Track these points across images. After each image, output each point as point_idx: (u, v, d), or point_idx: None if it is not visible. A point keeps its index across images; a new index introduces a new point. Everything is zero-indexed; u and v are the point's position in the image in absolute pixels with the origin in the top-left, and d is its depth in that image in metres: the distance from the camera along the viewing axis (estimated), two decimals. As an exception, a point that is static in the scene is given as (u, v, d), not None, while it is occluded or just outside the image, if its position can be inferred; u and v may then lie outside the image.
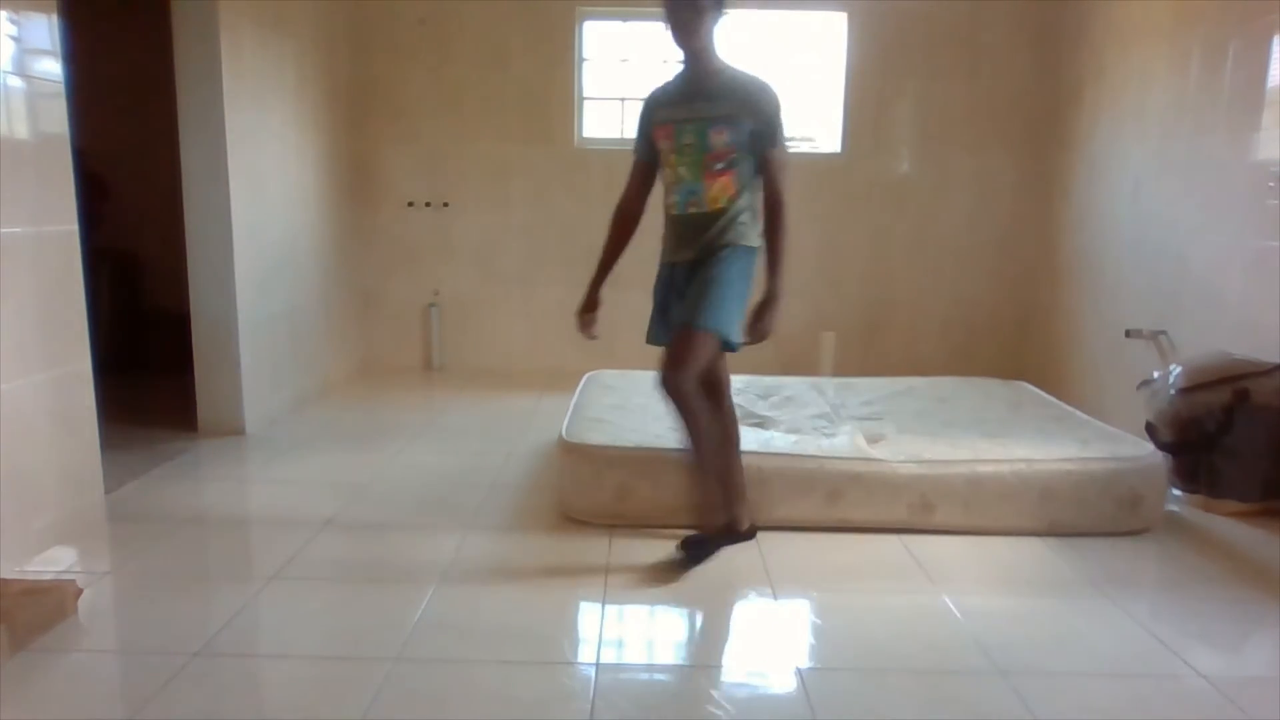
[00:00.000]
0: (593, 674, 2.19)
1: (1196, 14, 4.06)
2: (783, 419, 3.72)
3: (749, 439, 3.27)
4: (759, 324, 2.75)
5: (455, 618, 2.47)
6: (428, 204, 5.64)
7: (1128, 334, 4.35)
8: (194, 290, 4.09)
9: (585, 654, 2.30)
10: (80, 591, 2.46)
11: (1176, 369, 3.51)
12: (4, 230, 2.66)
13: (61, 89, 2.92)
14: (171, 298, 4.73)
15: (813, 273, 5.66)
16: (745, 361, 5.44)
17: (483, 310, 5.73)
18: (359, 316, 5.71)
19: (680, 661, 2.30)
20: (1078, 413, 3.79)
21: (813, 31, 5.56)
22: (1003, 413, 3.80)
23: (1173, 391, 3.43)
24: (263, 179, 4.37)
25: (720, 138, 2.81)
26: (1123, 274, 4.60)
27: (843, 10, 5.42)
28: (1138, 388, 3.74)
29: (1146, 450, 3.25)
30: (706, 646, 2.40)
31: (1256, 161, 3.63)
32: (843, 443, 3.32)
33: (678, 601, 2.64)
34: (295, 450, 4.02)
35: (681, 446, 2.83)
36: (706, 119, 2.82)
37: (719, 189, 2.85)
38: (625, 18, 5.54)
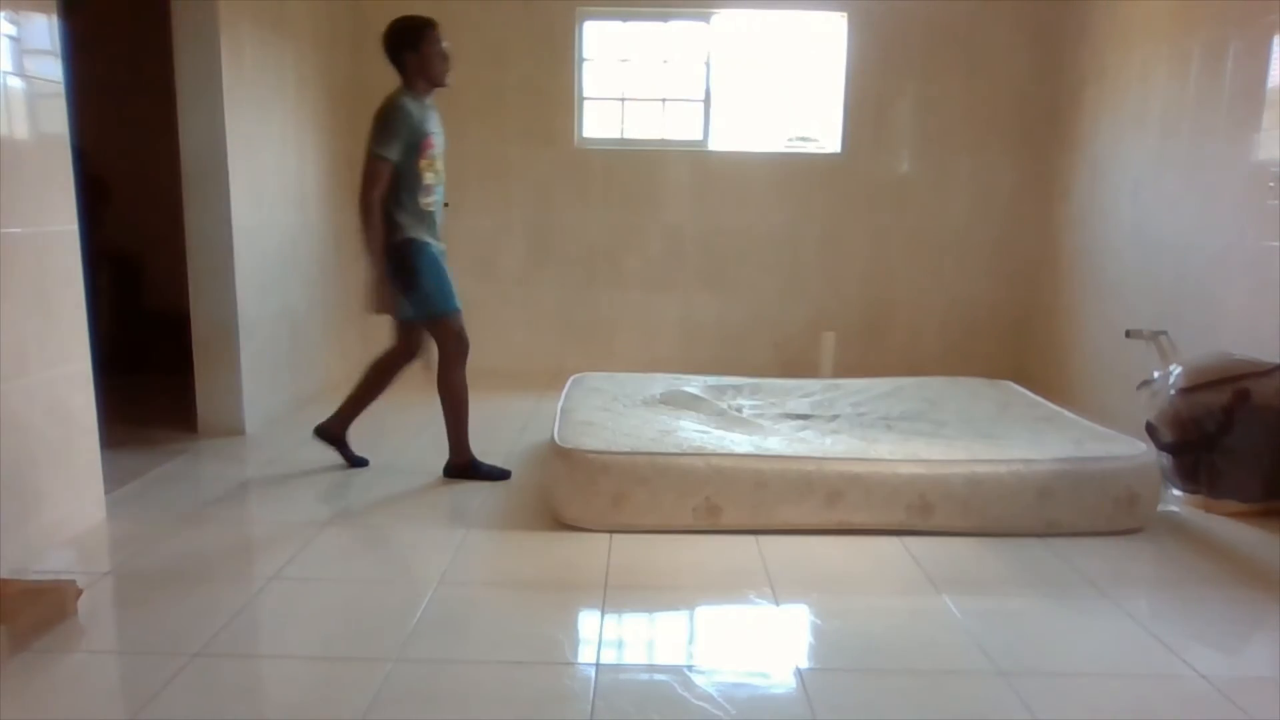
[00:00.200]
0: (593, 674, 2.19)
1: (1197, 15, 4.06)
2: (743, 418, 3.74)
3: (744, 444, 3.28)
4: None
5: (455, 618, 2.47)
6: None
7: (1128, 334, 4.35)
8: (194, 290, 4.09)
9: (585, 654, 2.31)
10: (80, 591, 2.46)
11: (1176, 369, 3.51)
12: (4, 230, 2.66)
13: (61, 89, 2.92)
14: (171, 298, 4.72)
15: (813, 273, 5.66)
16: (745, 361, 5.48)
17: (482, 310, 5.71)
18: (359, 317, 5.70)
19: (680, 662, 2.30)
20: (1066, 412, 3.79)
21: (813, 31, 5.56)
22: (992, 412, 3.81)
23: (1173, 391, 3.43)
24: (263, 179, 4.37)
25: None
26: (1123, 274, 4.60)
27: (843, 10, 5.42)
28: (1138, 388, 3.74)
29: (1141, 449, 3.25)
30: (706, 647, 2.40)
31: (1256, 161, 3.64)
32: (842, 444, 3.33)
33: (677, 602, 2.64)
34: (295, 450, 4.02)
35: None
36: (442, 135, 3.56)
37: None
38: (625, 18, 5.54)
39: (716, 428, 3.56)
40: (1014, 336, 5.68)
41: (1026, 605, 2.63)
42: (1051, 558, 2.95)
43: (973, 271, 5.64)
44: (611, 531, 3.08)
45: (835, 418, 3.79)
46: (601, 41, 5.58)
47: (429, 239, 3.50)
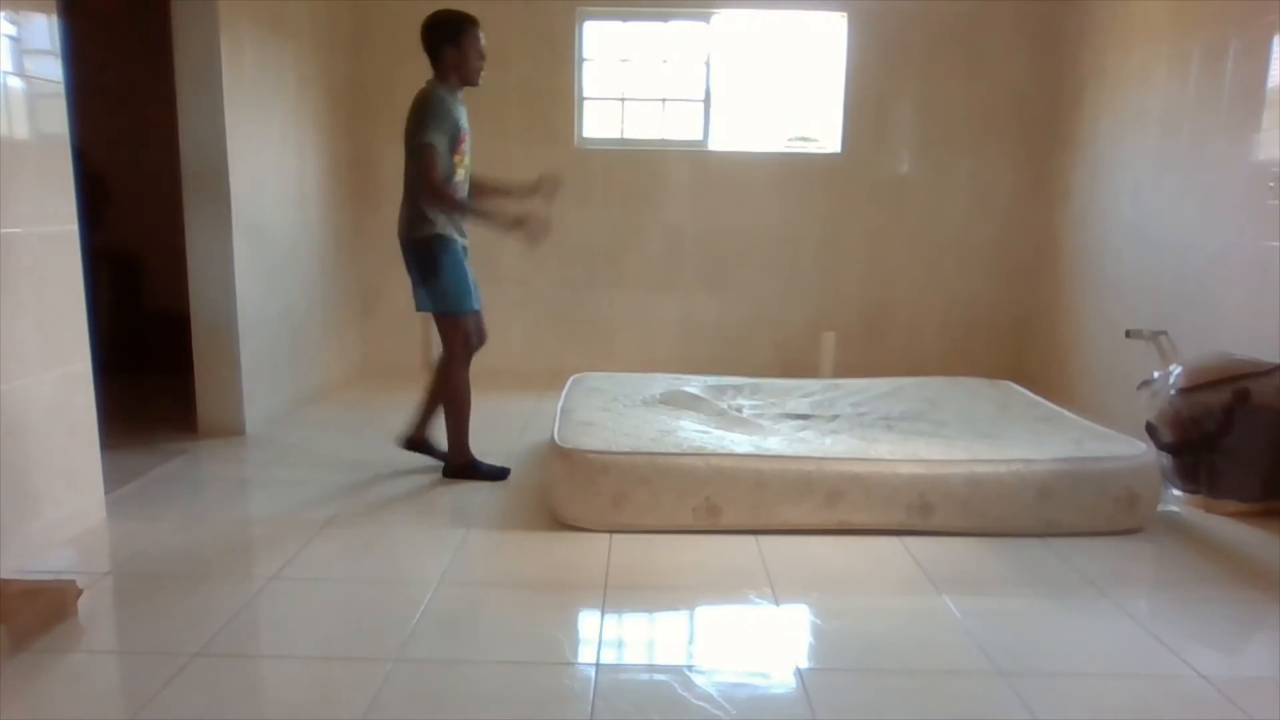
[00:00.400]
0: (593, 674, 2.19)
1: (1197, 15, 4.06)
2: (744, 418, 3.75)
3: (744, 444, 3.28)
4: None
5: (455, 618, 2.47)
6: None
7: (1128, 334, 4.36)
8: (194, 290, 4.09)
9: (585, 654, 2.31)
10: (80, 591, 2.46)
11: (1176, 369, 3.51)
12: (4, 230, 2.66)
13: (61, 89, 2.92)
14: (171, 298, 4.73)
15: (813, 273, 5.66)
16: (745, 362, 5.48)
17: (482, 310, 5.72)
18: (359, 317, 5.71)
19: (680, 662, 2.30)
20: (1066, 412, 3.79)
21: (813, 31, 5.56)
22: (992, 412, 3.81)
23: (1173, 391, 3.43)
24: (263, 179, 4.37)
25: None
26: (1123, 274, 4.60)
27: (843, 10, 5.42)
28: (1138, 388, 3.74)
29: (1141, 449, 3.26)
30: (706, 647, 2.40)
31: (1256, 161, 3.64)
32: (842, 444, 3.33)
33: (677, 602, 2.64)
34: (295, 450, 4.02)
35: None
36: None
37: None
38: (625, 18, 5.54)
39: (716, 428, 3.56)
40: (1014, 336, 5.68)
41: (1026, 605, 2.63)
42: (1051, 558, 2.95)
43: (973, 271, 5.64)
44: (611, 531, 3.08)
45: (835, 418, 3.79)
46: (601, 41, 5.58)
47: (456, 235, 3.51)
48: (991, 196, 5.57)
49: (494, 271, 5.68)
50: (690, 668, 2.24)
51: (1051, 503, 3.11)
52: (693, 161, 5.59)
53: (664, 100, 5.61)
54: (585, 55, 5.55)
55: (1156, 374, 3.67)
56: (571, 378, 4.32)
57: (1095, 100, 4.95)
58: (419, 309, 3.58)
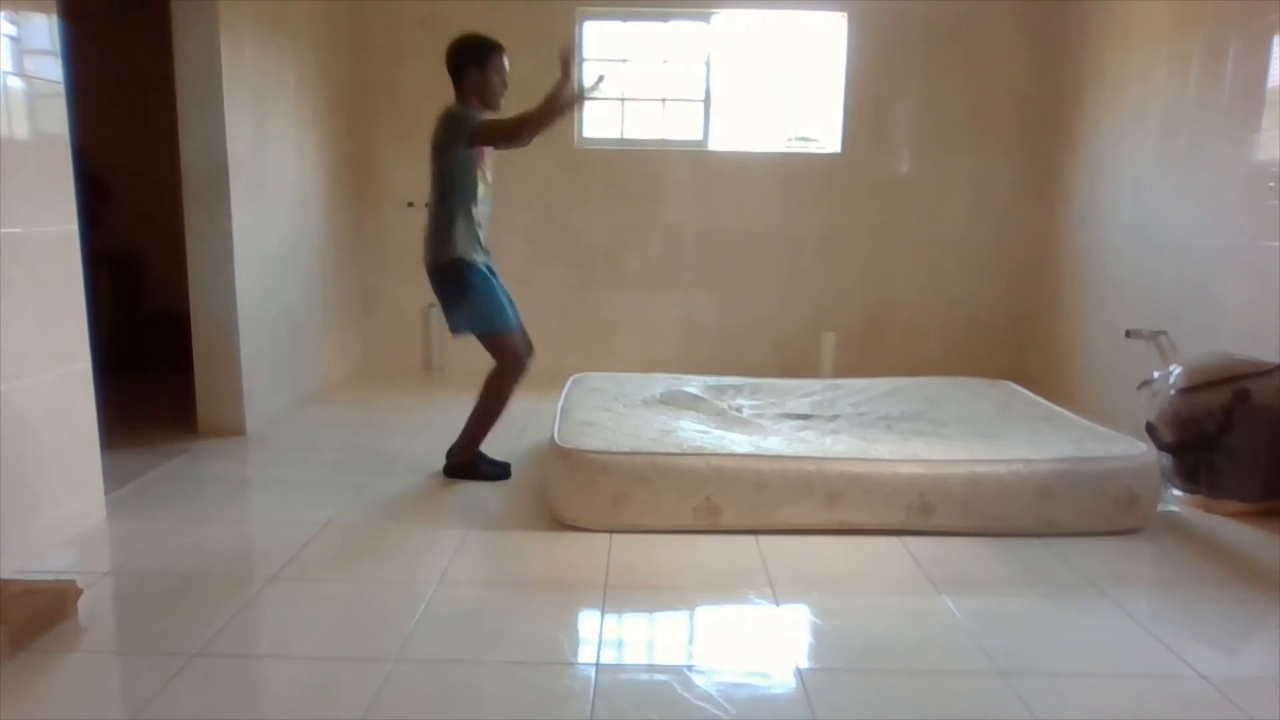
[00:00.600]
0: (593, 674, 2.19)
1: (1196, 15, 4.06)
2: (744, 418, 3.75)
3: (744, 444, 3.28)
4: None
5: (455, 618, 2.47)
6: (428, 204, 5.62)
7: (1128, 334, 4.36)
8: (194, 290, 4.09)
9: (585, 654, 2.30)
10: (80, 591, 2.45)
11: (1176, 369, 3.51)
12: (4, 230, 2.66)
13: (61, 89, 2.92)
14: (171, 298, 4.73)
15: (813, 273, 5.66)
16: (745, 362, 5.48)
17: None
18: (359, 317, 5.71)
19: (680, 662, 2.30)
20: (1065, 412, 3.79)
21: (813, 31, 5.56)
22: (992, 412, 3.81)
23: (1173, 391, 3.43)
24: (263, 179, 4.37)
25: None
26: (1123, 274, 4.60)
27: (843, 10, 5.42)
28: (1138, 388, 3.74)
29: (1141, 449, 3.25)
30: (706, 647, 2.40)
31: (1256, 161, 3.64)
32: (842, 444, 3.33)
33: (677, 602, 2.64)
34: (295, 450, 4.02)
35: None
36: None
37: None
38: (625, 18, 5.54)
39: (716, 428, 3.56)
40: (1014, 336, 5.68)
41: (1026, 605, 2.63)
42: (1051, 558, 2.95)
43: (973, 271, 5.64)
44: (611, 531, 3.08)
45: (835, 418, 3.79)
46: (601, 41, 5.58)
47: (477, 256, 3.51)
48: (991, 196, 5.57)
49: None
50: (690, 668, 2.24)
51: (1051, 503, 3.11)
52: (693, 161, 5.59)
53: (664, 100, 5.61)
54: (585, 55, 5.55)
55: (1156, 374, 3.67)
56: (571, 378, 4.32)
57: (1095, 100, 4.95)
58: (454, 332, 3.57)
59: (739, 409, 3.92)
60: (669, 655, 2.37)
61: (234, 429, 4.19)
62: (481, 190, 3.51)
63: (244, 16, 4.14)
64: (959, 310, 5.67)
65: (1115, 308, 4.64)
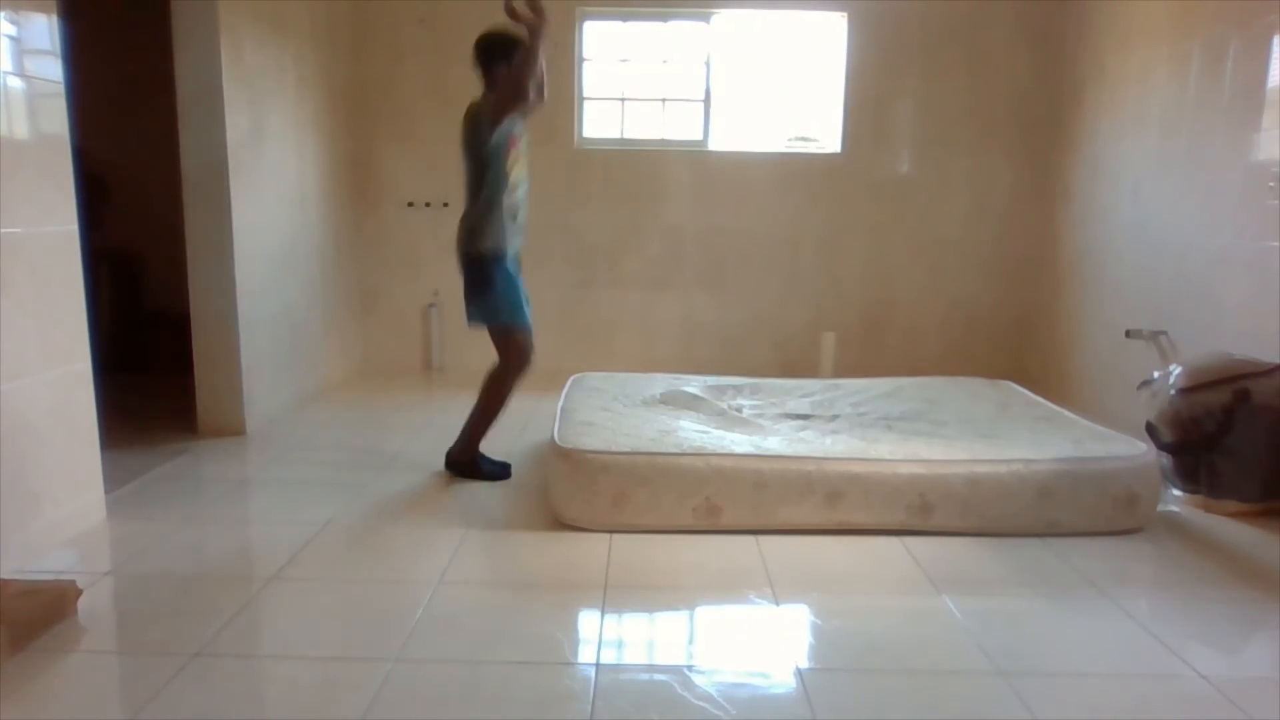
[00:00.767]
0: (593, 674, 2.19)
1: (1197, 15, 4.06)
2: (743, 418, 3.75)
3: (744, 444, 3.28)
4: None
5: (455, 618, 2.47)
6: (428, 204, 5.64)
7: (1128, 334, 4.36)
8: (194, 290, 4.09)
9: (585, 654, 2.30)
10: (80, 591, 2.46)
11: (1176, 369, 3.51)
12: (4, 230, 2.66)
13: (61, 89, 2.92)
14: (171, 298, 4.73)
15: (813, 273, 5.66)
16: (745, 362, 5.48)
17: (483, 310, 5.72)
18: (359, 316, 5.71)
19: (680, 662, 2.30)
20: (1065, 412, 3.79)
21: (813, 31, 5.56)
22: (992, 412, 3.81)
23: (1173, 391, 3.43)
24: (263, 179, 4.37)
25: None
26: (1123, 274, 4.60)
27: (843, 10, 5.42)
28: (1138, 388, 3.74)
29: (1141, 449, 3.26)
30: (706, 647, 2.40)
31: (1256, 161, 3.64)
32: (842, 444, 3.33)
33: (677, 602, 2.64)
34: (295, 450, 4.02)
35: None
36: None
37: None
38: (625, 18, 5.54)
39: (716, 428, 3.56)
40: (1014, 336, 5.68)
41: (1026, 605, 2.63)
42: (1051, 558, 2.95)
43: (973, 271, 5.64)
44: (611, 531, 3.08)
45: (835, 418, 3.79)
46: (601, 41, 5.58)
47: (508, 249, 3.53)
48: (991, 196, 5.57)
49: (494, 271, 5.69)
50: (690, 668, 2.24)
51: (1051, 503, 3.11)
52: (693, 161, 5.59)
53: (664, 100, 5.61)
54: (585, 55, 5.55)
55: (1156, 374, 3.67)
56: (571, 378, 4.32)
57: (1095, 100, 4.95)
58: (470, 321, 3.59)
59: (739, 409, 3.92)
60: (669, 655, 2.37)
61: (234, 429, 4.19)
62: (514, 177, 3.49)
63: (244, 16, 4.14)
64: (959, 310, 5.67)
65: (1115, 308, 4.64)
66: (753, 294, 5.69)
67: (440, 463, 3.71)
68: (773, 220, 5.62)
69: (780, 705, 2.09)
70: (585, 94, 5.60)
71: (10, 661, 2.17)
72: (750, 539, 3.06)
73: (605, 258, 5.69)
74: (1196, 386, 3.37)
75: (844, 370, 5.33)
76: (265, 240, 4.40)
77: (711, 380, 4.37)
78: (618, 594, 2.63)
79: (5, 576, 2.50)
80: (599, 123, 5.66)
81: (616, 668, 2.24)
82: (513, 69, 3.36)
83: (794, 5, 5.48)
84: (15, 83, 2.73)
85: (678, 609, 2.62)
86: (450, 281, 5.67)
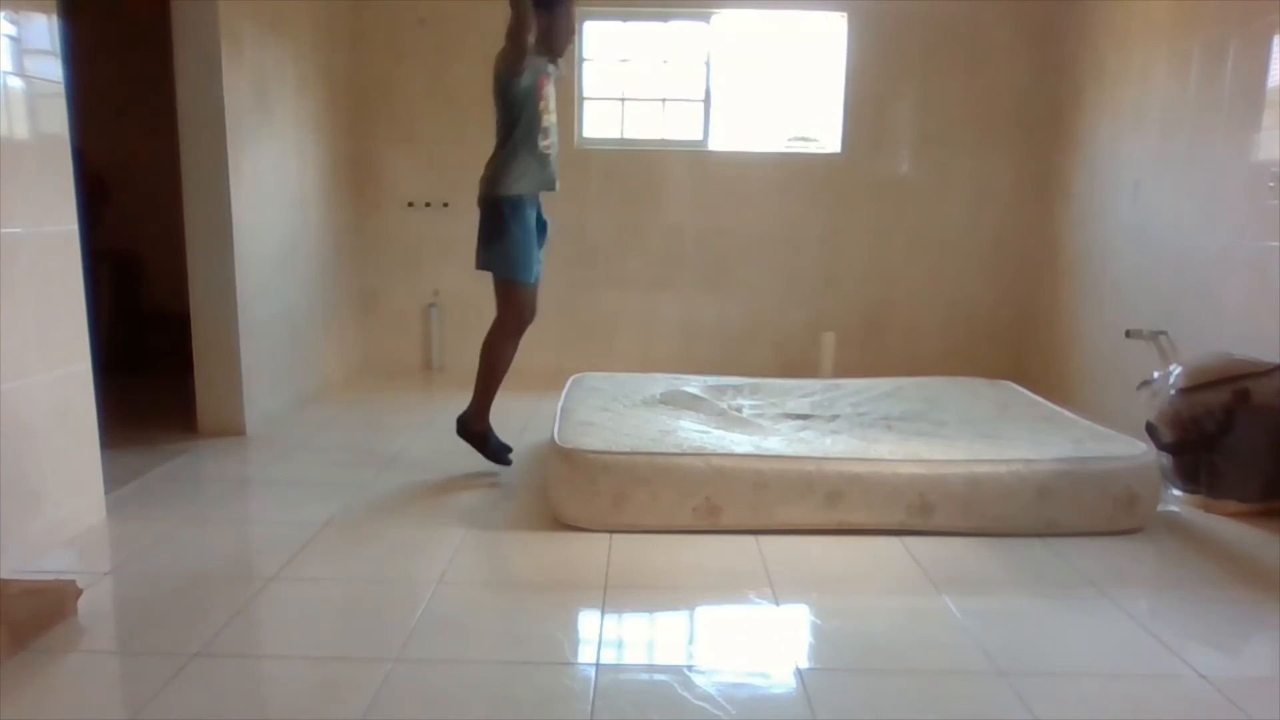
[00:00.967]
0: (593, 674, 2.19)
1: (1196, 14, 4.06)
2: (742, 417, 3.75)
3: (744, 444, 3.28)
4: None
5: (455, 618, 2.47)
6: (428, 204, 5.64)
7: (1128, 334, 4.36)
8: (194, 290, 4.09)
9: (585, 654, 2.30)
10: (80, 591, 2.46)
11: (1176, 369, 3.51)
12: (4, 230, 2.66)
13: (61, 89, 2.92)
14: (171, 298, 4.72)
15: (813, 273, 5.66)
16: (745, 362, 5.48)
17: (482, 311, 5.67)
18: (359, 316, 5.71)
19: (680, 662, 2.30)
20: (1065, 412, 3.79)
21: (813, 31, 5.56)
22: (992, 412, 3.81)
23: (1173, 391, 3.43)
24: (263, 179, 4.37)
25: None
26: (1123, 274, 4.60)
27: (842, 10, 5.42)
28: (1138, 388, 3.74)
29: (1141, 449, 3.26)
30: (706, 647, 2.40)
31: (1256, 161, 3.64)
32: (842, 444, 3.33)
33: (677, 602, 2.64)
34: (295, 450, 4.02)
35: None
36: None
37: None
38: (625, 18, 5.54)
39: (716, 428, 3.56)
40: (1014, 336, 5.68)
41: (1026, 605, 2.63)
42: (1051, 558, 2.95)
43: (973, 271, 5.64)
44: (611, 531, 3.08)
45: (835, 418, 3.79)
46: (601, 41, 5.58)
47: (530, 195, 3.51)
48: (991, 196, 5.57)
49: (494, 271, 5.69)
50: (690, 668, 2.24)
51: (1051, 503, 3.11)
52: (693, 161, 5.59)
53: (664, 100, 5.61)
54: (585, 55, 5.55)
55: (1156, 374, 3.67)
56: (571, 378, 4.32)
57: (1095, 100, 4.95)
58: (477, 267, 3.57)
59: (739, 409, 3.92)
60: (669, 655, 2.37)
61: (234, 429, 4.19)
62: (547, 120, 3.47)
63: (244, 16, 4.14)
64: (959, 310, 5.67)
65: (1115, 308, 4.64)
66: (753, 294, 5.69)
67: (442, 462, 3.71)
68: (773, 220, 5.62)
69: (780, 705, 2.09)
70: (585, 94, 5.60)
71: (10, 661, 2.17)
72: (750, 539, 3.06)
73: (605, 258, 5.68)
74: (1196, 386, 3.37)
75: (844, 370, 5.33)
76: (265, 240, 4.40)
77: (711, 380, 4.37)
78: (618, 594, 2.63)
79: (5, 576, 2.50)
80: (599, 123, 5.66)
81: (616, 668, 2.24)
82: (514, 18, 3.27)
83: (794, 5, 5.48)
84: (15, 83, 2.73)
85: (678, 609, 2.62)
86: (450, 282, 5.72)
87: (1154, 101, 4.36)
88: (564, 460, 3.16)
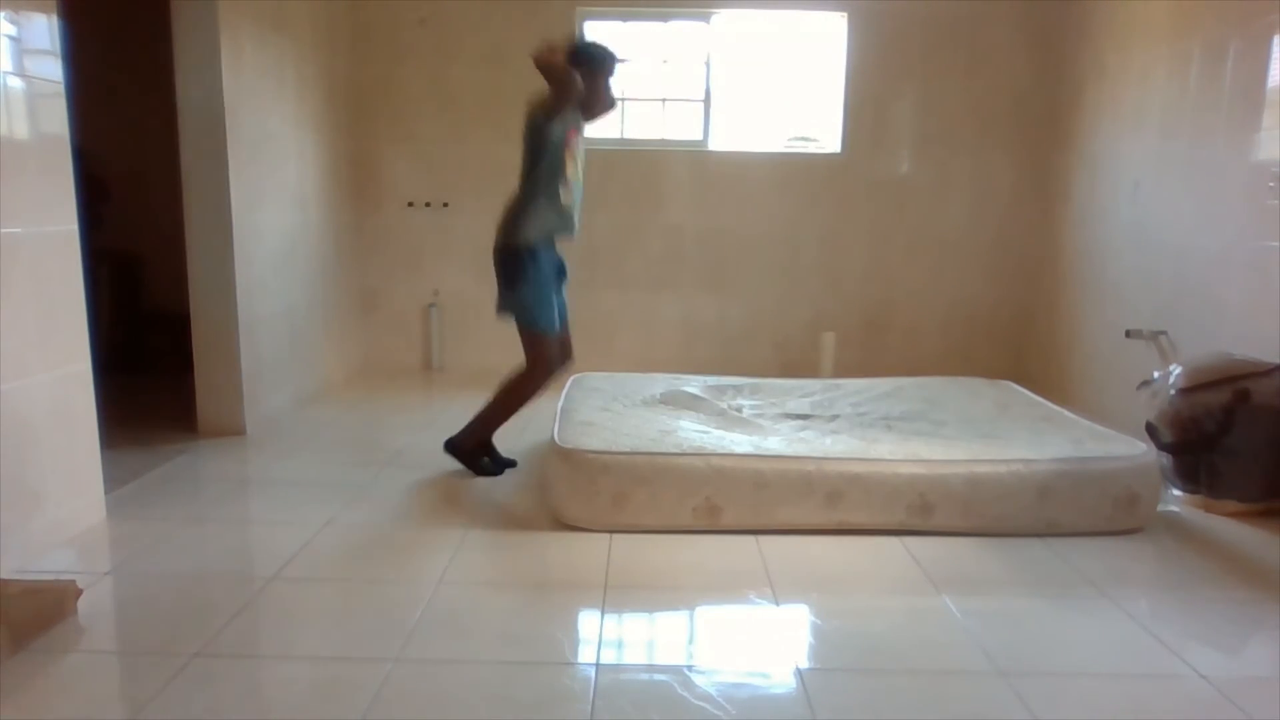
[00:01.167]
0: (593, 674, 2.19)
1: (1196, 15, 4.06)
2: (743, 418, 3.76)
3: (744, 444, 3.28)
4: None
5: (455, 618, 2.47)
6: (428, 204, 5.64)
7: (1128, 334, 4.35)
8: (194, 290, 4.09)
9: (585, 654, 2.31)
10: (80, 591, 2.46)
11: (1176, 369, 3.51)
12: (4, 230, 2.66)
13: (61, 89, 2.92)
14: (171, 298, 4.73)
15: (813, 273, 5.66)
16: (745, 362, 5.48)
17: (482, 310, 5.68)
18: (359, 316, 5.71)
19: (680, 662, 2.30)
20: (1065, 412, 3.79)
21: (813, 31, 5.56)
22: (992, 412, 3.81)
23: (1173, 391, 3.43)
24: (263, 179, 4.37)
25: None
26: (1123, 274, 4.60)
27: (842, 10, 5.42)
28: (1138, 388, 3.74)
29: (1141, 449, 3.26)
30: (706, 647, 2.40)
31: (1256, 161, 3.64)
32: (842, 444, 3.33)
33: (677, 602, 2.64)
34: (295, 450, 4.02)
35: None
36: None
37: None
38: (625, 18, 5.54)
39: (716, 428, 3.56)
40: (1014, 336, 5.68)
41: (1026, 605, 2.63)
42: (1051, 558, 2.95)
43: (973, 271, 5.64)
44: (611, 531, 3.08)
45: (835, 418, 3.79)
46: (601, 41, 5.57)
47: (548, 247, 3.55)
48: (991, 196, 5.57)
49: (492, 272, 5.68)
50: (690, 668, 2.24)
51: (1051, 503, 3.11)
52: (693, 161, 5.59)
53: (664, 100, 5.61)
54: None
55: (1156, 374, 3.67)
56: (571, 378, 4.32)
57: (1095, 100, 4.95)
58: (499, 312, 3.59)
59: (739, 409, 3.92)
60: (669, 655, 2.37)
61: (234, 429, 4.19)
62: (570, 172, 3.50)
63: (244, 16, 4.14)
64: (959, 310, 5.67)
65: (1115, 308, 4.64)
66: (753, 294, 5.69)
67: (441, 461, 3.71)
68: (773, 220, 5.62)
69: (780, 705, 2.09)
70: (585, 94, 5.60)
71: (10, 661, 2.17)
72: (750, 539, 3.06)
73: (605, 258, 5.68)
74: (1196, 386, 3.37)
75: (844, 370, 5.33)
76: (265, 240, 4.40)
77: (711, 380, 4.37)
78: (618, 594, 2.63)
79: (5, 576, 2.51)
80: (599, 123, 5.64)
81: (616, 668, 2.24)
82: (559, 85, 3.35)
83: (794, 5, 5.48)
84: (15, 83, 2.73)
85: (678, 609, 2.62)
86: (450, 282, 5.72)
87: (1154, 102, 4.36)
88: (564, 460, 3.16)
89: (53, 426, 2.88)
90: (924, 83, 5.47)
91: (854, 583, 2.77)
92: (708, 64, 5.53)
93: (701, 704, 2.07)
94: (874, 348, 5.67)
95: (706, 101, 5.56)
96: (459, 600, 2.58)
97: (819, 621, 2.54)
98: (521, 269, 3.48)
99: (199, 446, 4.02)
